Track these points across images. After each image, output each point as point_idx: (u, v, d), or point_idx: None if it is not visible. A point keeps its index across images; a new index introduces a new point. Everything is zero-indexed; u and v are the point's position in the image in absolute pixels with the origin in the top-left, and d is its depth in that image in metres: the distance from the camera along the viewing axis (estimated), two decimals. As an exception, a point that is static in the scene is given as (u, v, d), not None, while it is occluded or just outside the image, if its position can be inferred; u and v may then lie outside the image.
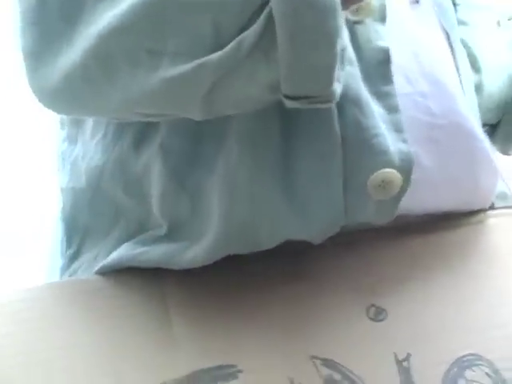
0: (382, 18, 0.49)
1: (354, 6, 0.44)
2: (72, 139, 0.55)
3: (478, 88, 0.61)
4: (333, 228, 0.49)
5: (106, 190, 0.52)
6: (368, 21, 0.48)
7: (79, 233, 0.55)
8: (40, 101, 0.46)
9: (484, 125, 0.61)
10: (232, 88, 0.41)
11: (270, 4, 0.38)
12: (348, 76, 0.46)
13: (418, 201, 0.52)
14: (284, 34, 0.39)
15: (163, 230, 0.50)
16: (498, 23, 0.66)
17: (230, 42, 0.39)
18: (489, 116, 0.63)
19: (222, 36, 0.39)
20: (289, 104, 0.42)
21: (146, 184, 0.50)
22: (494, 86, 0.62)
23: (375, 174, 0.47)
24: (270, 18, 0.39)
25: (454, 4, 0.62)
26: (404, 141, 0.48)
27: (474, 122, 0.53)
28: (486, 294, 0.52)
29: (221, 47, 0.39)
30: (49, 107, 0.47)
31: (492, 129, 0.65)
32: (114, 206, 0.52)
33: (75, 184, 0.54)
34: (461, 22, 0.62)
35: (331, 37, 0.39)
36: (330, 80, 0.40)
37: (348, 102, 0.46)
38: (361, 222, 0.50)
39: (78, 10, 0.41)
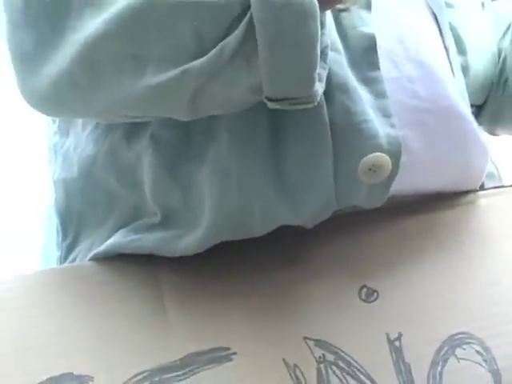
0: (368, 5, 0.50)
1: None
2: (63, 132, 0.56)
3: (465, 69, 0.62)
4: (324, 213, 0.50)
5: (98, 179, 0.53)
6: (353, 8, 0.49)
7: (74, 223, 0.55)
8: (29, 104, 0.47)
9: (470, 105, 0.62)
10: (215, 92, 0.42)
11: (251, 10, 0.39)
12: (335, 63, 0.47)
13: (409, 183, 0.53)
14: (264, 40, 0.39)
15: (157, 218, 0.51)
16: (483, 4, 0.67)
17: (212, 48, 0.40)
18: (475, 97, 0.63)
19: (204, 43, 0.40)
20: (271, 105, 0.43)
21: (139, 172, 0.50)
22: (479, 66, 0.63)
23: (365, 158, 0.48)
24: (251, 24, 0.39)
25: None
26: (392, 125, 0.48)
27: (463, 104, 0.54)
28: (478, 274, 0.53)
29: (203, 54, 0.40)
30: (37, 110, 0.48)
31: (478, 109, 0.66)
32: (108, 195, 0.53)
33: (67, 174, 0.55)
34: (447, 5, 0.63)
35: (310, 41, 0.40)
36: (310, 82, 0.41)
37: (336, 88, 0.47)
38: (352, 206, 0.51)
39: (65, 15, 0.42)
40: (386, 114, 0.48)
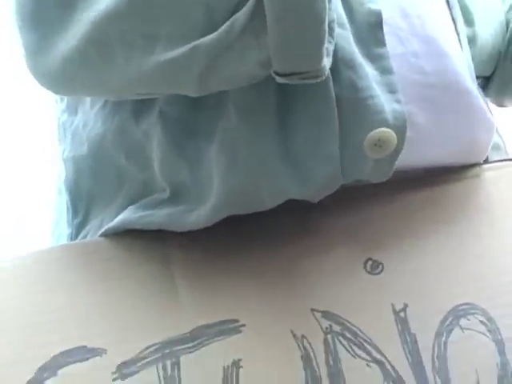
0: None
1: None
2: (72, 110, 0.56)
3: (472, 40, 0.61)
4: (331, 187, 0.50)
5: (107, 156, 0.53)
6: None
7: (84, 201, 0.56)
8: (40, 83, 0.47)
9: (477, 77, 0.62)
10: (225, 67, 0.43)
11: None
12: (341, 39, 0.47)
13: (415, 157, 0.53)
14: (273, 15, 0.40)
15: (166, 194, 0.51)
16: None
17: (222, 24, 0.40)
18: (482, 68, 0.63)
19: (214, 19, 0.40)
20: (280, 80, 0.43)
21: (148, 149, 0.51)
22: (486, 36, 0.62)
23: (371, 133, 0.48)
24: (260, 0, 0.40)
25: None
26: (398, 101, 0.49)
27: (468, 79, 0.54)
28: (484, 245, 0.54)
29: (213, 29, 0.41)
30: (48, 89, 0.48)
31: (486, 81, 0.65)
32: (117, 172, 0.53)
33: (76, 152, 0.55)
34: (453, -23, 0.62)
35: (319, 16, 0.40)
36: (319, 57, 0.42)
37: (342, 64, 0.47)
38: (358, 179, 0.51)
39: None
40: (391, 90, 0.49)
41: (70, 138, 0.56)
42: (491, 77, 0.65)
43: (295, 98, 0.48)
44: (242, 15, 0.40)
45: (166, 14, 0.41)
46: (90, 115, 0.54)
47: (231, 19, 0.40)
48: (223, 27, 0.40)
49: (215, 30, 0.41)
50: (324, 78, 0.43)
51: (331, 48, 0.43)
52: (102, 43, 0.43)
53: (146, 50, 0.42)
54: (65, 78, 0.46)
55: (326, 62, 0.43)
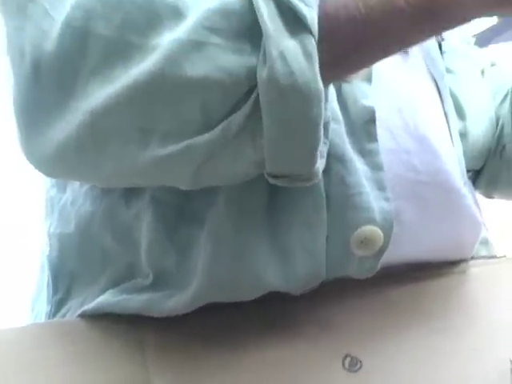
0: (368, 78, 0.50)
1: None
2: (61, 186, 0.56)
3: (464, 135, 0.62)
4: (314, 281, 0.50)
5: (94, 236, 0.53)
6: (355, 80, 0.50)
7: (66, 279, 0.56)
8: (33, 165, 0.47)
9: (468, 171, 0.62)
10: (219, 166, 0.43)
11: (257, 90, 0.39)
12: (334, 134, 0.48)
13: (400, 254, 0.53)
14: (270, 119, 0.40)
15: (149, 280, 0.51)
16: (482, 72, 0.67)
17: (218, 124, 0.41)
18: (473, 162, 0.64)
19: (211, 119, 0.41)
20: (272, 181, 0.44)
21: (136, 232, 0.51)
22: (478, 132, 0.63)
23: (358, 230, 0.48)
24: (257, 103, 0.40)
25: (441, 51, 0.63)
26: (386, 199, 0.49)
27: (458, 178, 0.54)
28: (465, 344, 0.53)
29: (209, 129, 0.41)
30: (42, 172, 0.48)
31: (476, 174, 0.66)
32: (102, 253, 0.53)
33: (63, 229, 0.55)
34: (447, 70, 0.63)
35: (315, 123, 0.40)
36: (312, 162, 0.42)
37: (333, 159, 0.48)
38: (341, 275, 0.51)
39: (72, 83, 0.42)
40: (381, 187, 0.49)
41: (57, 214, 0.56)
42: (481, 170, 0.65)
43: (286, 199, 0.48)
44: (238, 117, 0.40)
45: (164, 111, 0.41)
46: (79, 193, 0.54)
47: (228, 120, 0.40)
48: (219, 127, 0.41)
49: (211, 128, 0.41)
50: (316, 181, 0.44)
51: (325, 149, 0.44)
52: (98, 133, 0.43)
53: (142, 144, 0.42)
54: (59, 164, 0.46)
55: (320, 165, 0.43)
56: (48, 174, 0.50)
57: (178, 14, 0.40)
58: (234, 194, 0.48)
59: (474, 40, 0.52)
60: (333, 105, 0.48)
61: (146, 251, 0.50)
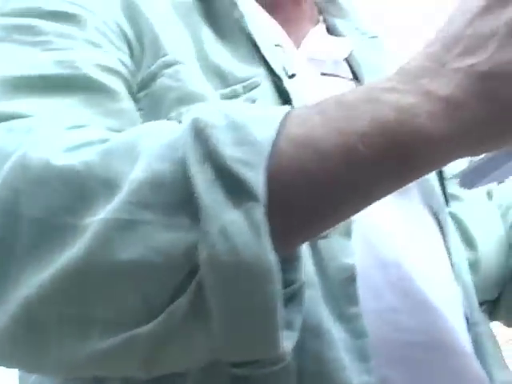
0: (348, 233, 0.46)
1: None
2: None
3: (474, 265, 0.57)
4: None
5: None
6: (333, 236, 0.45)
7: None
8: None
9: (482, 303, 0.58)
10: (170, 355, 0.38)
11: (200, 272, 0.36)
12: (308, 301, 0.41)
13: None
14: (217, 303, 0.36)
15: None
16: (489, 194, 0.63)
17: (162, 311, 0.36)
18: (488, 293, 0.59)
19: (152, 306, 0.37)
20: (235, 372, 0.39)
21: None
22: (490, 260, 0.58)
23: None
24: (201, 286, 0.36)
25: (443, 178, 0.59)
26: (368, 371, 0.44)
27: (462, 333, 0.49)
28: None
29: (153, 317, 0.37)
30: None
31: (492, 304, 0.60)
32: None
33: None
34: (453, 197, 0.59)
35: (271, 301, 0.36)
36: (275, 345, 0.37)
37: (307, 331, 0.42)
38: None
39: (6, 269, 0.38)
40: (362, 358, 0.44)
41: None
42: (498, 300, 0.60)
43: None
44: (182, 302, 0.36)
45: (99, 299, 0.37)
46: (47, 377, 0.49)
47: (171, 307, 0.36)
48: (163, 316, 0.36)
49: (155, 317, 0.37)
50: (285, 362, 0.38)
51: (298, 319, 0.38)
52: (33, 325, 0.39)
53: (80, 336, 0.38)
54: (1, 356, 0.42)
55: (289, 341, 0.38)
56: None
57: (109, 187, 0.37)
58: (200, 376, 0.42)
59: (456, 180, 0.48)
60: (307, 265, 0.43)
61: None
